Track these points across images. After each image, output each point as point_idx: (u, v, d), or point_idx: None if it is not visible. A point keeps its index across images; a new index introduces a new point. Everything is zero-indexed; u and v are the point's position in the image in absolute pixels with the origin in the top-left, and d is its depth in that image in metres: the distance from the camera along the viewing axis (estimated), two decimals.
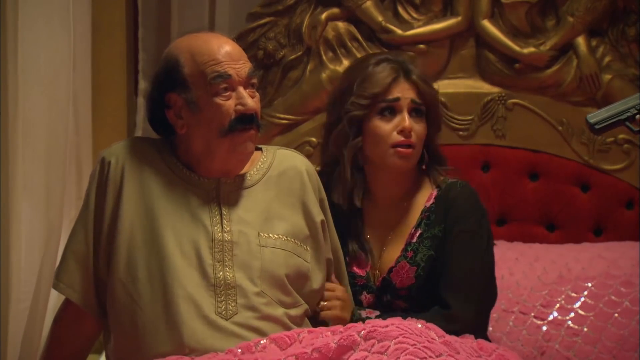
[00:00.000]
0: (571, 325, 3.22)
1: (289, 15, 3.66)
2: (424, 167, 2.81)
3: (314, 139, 3.57)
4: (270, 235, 2.54)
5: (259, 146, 2.64)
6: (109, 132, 3.59)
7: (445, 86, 3.60)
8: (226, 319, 2.43)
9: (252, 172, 2.59)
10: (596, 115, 2.54)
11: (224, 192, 2.54)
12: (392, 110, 2.73)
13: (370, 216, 2.80)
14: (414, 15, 3.64)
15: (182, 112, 2.51)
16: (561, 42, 3.59)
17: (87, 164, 3.41)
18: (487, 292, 2.71)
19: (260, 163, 2.61)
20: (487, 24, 3.61)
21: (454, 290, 2.65)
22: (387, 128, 2.72)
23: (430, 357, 2.18)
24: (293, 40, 3.66)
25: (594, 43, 3.60)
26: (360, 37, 3.64)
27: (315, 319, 2.62)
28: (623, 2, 3.57)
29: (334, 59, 3.64)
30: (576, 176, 3.60)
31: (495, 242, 3.39)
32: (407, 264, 2.71)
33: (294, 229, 2.57)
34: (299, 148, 3.57)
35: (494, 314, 3.23)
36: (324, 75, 3.63)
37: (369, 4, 3.61)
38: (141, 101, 3.68)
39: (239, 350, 2.34)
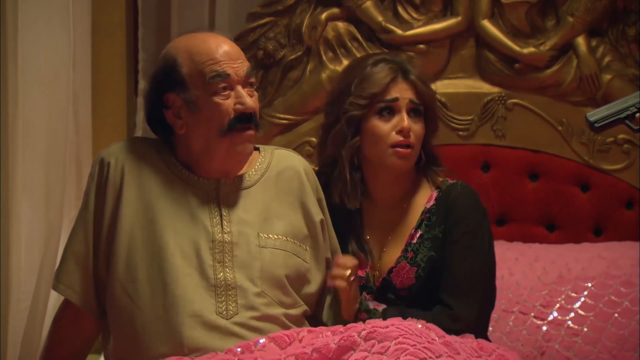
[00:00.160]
0: (571, 325, 3.22)
1: (289, 15, 3.66)
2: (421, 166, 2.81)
3: (314, 139, 3.57)
4: (270, 235, 2.54)
5: (257, 146, 2.64)
6: (109, 132, 3.59)
7: (445, 86, 3.60)
8: (226, 319, 2.43)
9: (250, 173, 2.59)
10: (596, 114, 2.54)
11: (223, 192, 2.54)
12: (390, 110, 2.73)
13: (369, 217, 2.80)
14: (414, 15, 3.64)
15: (181, 112, 2.51)
16: (561, 42, 3.59)
17: (87, 164, 3.41)
18: (488, 293, 2.72)
19: (258, 163, 2.61)
20: (487, 24, 3.61)
21: (455, 291, 2.65)
22: (385, 128, 2.72)
23: (431, 357, 2.18)
24: (293, 40, 3.66)
25: (594, 43, 3.60)
26: (360, 37, 3.64)
27: (315, 319, 2.62)
28: (623, 2, 3.57)
29: (334, 59, 3.64)
30: (576, 176, 3.60)
31: (495, 242, 3.39)
32: (408, 264, 2.71)
33: (293, 229, 2.58)
34: (299, 148, 3.58)
35: (494, 314, 3.22)
36: (324, 75, 3.63)
37: (369, 4, 3.61)
38: (141, 101, 3.68)
39: (239, 350, 2.34)
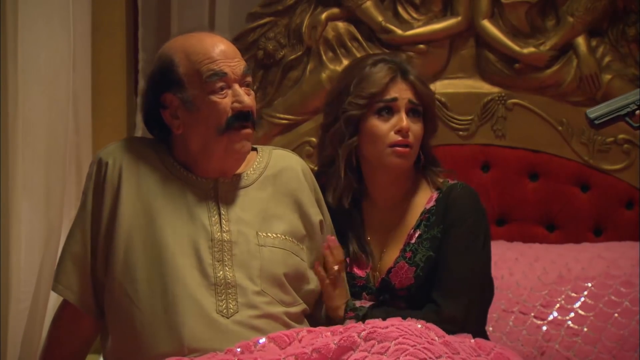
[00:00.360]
0: (571, 325, 3.22)
1: (289, 15, 3.66)
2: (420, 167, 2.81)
3: (314, 139, 3.57)
4: (269, 234, 2.54)
5: (254, 146, 2.64)
6: (109, 132, 3.59)
7: (445, 86, 3.60)
8: (227, 318, 2.43)
9: (248, 172, 2.59)
10: (596, 110, 2.54)
11: (222, 191, 2.54)
12: (389, 110, 2.73)
13: (370, 217, 2.80)
14: (414, 15, 3.64)
15: (179, 112, 2.51)
16: (561, 42, 3.59)
17: (87, 164, 3.39)
18: (478, 292, 2.70)
19: (256, 163, 2.62)
20: (487, 24, 3.61)
21: (445, 290, 2.66)
22: (384, 128, 2.72)
23: (431, 357, 2.18)
24: (293, 40, 3.66)
25: (594, 43, 3.60)
26: (360, 37, 3.64)
27: (315, 319, 2.62)
28: (623, 2, 3.57)
29: (334, 59, 3.64)
30: (576, 176, 3.60)
31: (495, 242, 3.39)
32: (406, 264, 2.71)
33: (292, 228, 2.58)
34: (299, 148, 3.58)
35: (493, 314, 3.23)
36: (324, 75, 3.63)
37: (369, 4, 3.61)
38: (140, 101, 3.68)
39: (238, 350, 2.34)
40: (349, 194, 2.75)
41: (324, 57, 3.64)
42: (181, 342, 2.41)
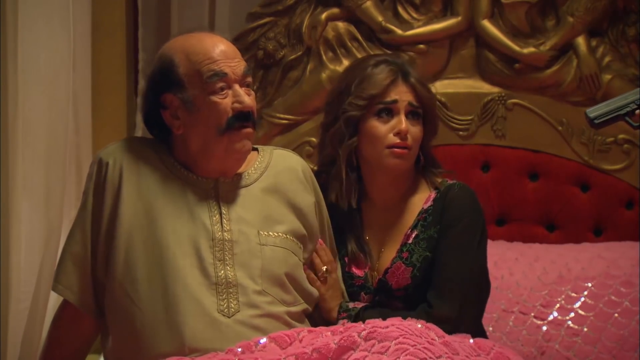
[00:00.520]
0: (571, 325, 3.22)
1: (289, 15, 3.66)
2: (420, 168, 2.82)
3: (314, 139, 3.57)
4: (270, 233, 2.54)
5: (255, 146, 2.64)
6: (109, 132, 3.59)
7: (445, 86, 3.61)
8: (228, 317, 2.43)
9: (249, 172, 2.59)
10: (596, 110, 2.54)
11: (222, 191, 2.54)
12: (389, 111, 2.73)
13: (368, 217, 2.80)
14: (414, 15, 3.64)
15: (179, 112, 2.51)
16: (561, 42, 3.59)
17: (87, 164, 3.39)
18: (473, 292, 2.70)
19: (257, 162, 2.62)
20: (487, 24, 3.61)
21: (438, 290, 2.66)
22: (383, 129, 2.72)
23: (431, 357, 2.18)
24: (293, 40, 3.66)
25: (594, 43, 3.60)
26: (360, 37, 3.64)
27: (314, 319, 2.63)
28: (623, 2, 3.57)
29: (334, 59, 3.64)
30: (576, 176, 3.60)
31: (495, 242, 3.39)
32: (403, 264, 2.71)
33: (293, 228, 2.58)
34: (299, 148, 3.58)
35: (493, 314, 3.23)
36: (324, 75, 3.63)
37: (369, 4, 3.61)
38: (140, 101, 3.68)
39: (239, 350, 2.34)
40: (351, 194, 2.75)
41: (324, 57, 3.64)
42: (182, 342, 2.41)
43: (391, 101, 2.73)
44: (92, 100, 3.56)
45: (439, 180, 2.78)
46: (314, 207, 2.64)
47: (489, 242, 2.79)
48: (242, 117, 2.50)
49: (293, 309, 2.52)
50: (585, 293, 3.27)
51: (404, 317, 2.41)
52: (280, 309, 2.49)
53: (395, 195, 2.78)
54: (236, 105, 2.49)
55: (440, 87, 3.57)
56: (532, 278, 3.34)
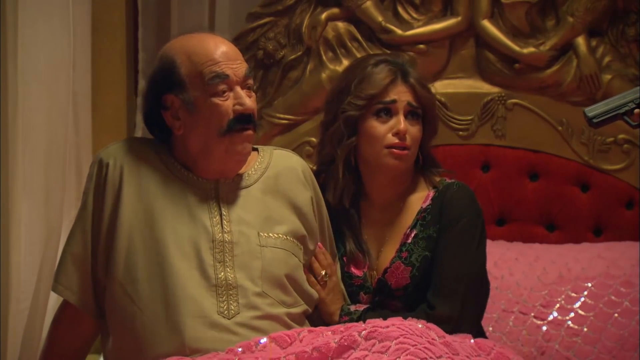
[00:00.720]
0: (571, 325, 3.22)
1: (289, 15, 3.66)
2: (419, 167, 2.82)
3: (314, 139, 3.57)
4: (271, 234, 2.54)
5: (255, 147, 2.64)
6: (109, 132, 3.59)
7: (445, 86, 3.61)
8: (228, 319, 2.43)
9: (249, 172, 2.59)
10: (594, 109, 2.54)
11: (222, 192, 2.54)
12: (388, 111, 2.73)
13: (367, 216, 2.80)
14: (414, 15, 3.64)
15: (180, 113, 2.51)
16: (561, 42, 3.59)
17: (87, 164, 3.39)
18: (473, 291, 2.70)
19: (257, 163, 2.62)
20: (487, 24, 3.60)
21: (439, 290, 2.66)
22: (382, 129, 2.72)
23: (431, 357, 2.18)
24: (293, 40, 3.66)
25: (594, 43, 3.60)
26: (360, 37, 3.64)
27: (314, 320, 2.62)
28: (623, 2, 3.57)
29: (334, 59, 3.64)
30: (576, 176, 3.60)
31: (495, 242, 3.39)
32: (402, 264, 2.71)
33: (293, 229, 2.58)
34: (299, 148, 3.58)
35: (493, 314, 3.23)
36: (324, 75, 3.63)
37: (368, 4, 3.61)
38: (141, 101, 3.67)
39: (239, 350, 2.34)
40: (349, 194, 2.76)
41: (324, 57, 3.64)
42: (182, 343, 2.41)
43: (390, 101, 2.73)
44: (92, 100, 3.56)
45: (438, 179, 2.78)
46: (313, 207, 2.64)
47: (489, 242, 2.80)
48: (243, 120, 2.50)
49: (293, 310, 2.52)
50: (585, 293, 3.27)
51: (405, 318, 2.41)
52: (280, 310, 2.49)
53: (394, 194, 2.78)
54: (237, 107, 2.49)
55: (440, 87, 3.57)
56: (532, 278, 3.34)
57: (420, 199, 2.77)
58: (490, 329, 3.20)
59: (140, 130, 3.66)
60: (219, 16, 3.71)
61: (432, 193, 2.76)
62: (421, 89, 2.76)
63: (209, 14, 3.72)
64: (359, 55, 3.54)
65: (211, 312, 2.43)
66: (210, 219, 2.50)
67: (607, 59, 3.60)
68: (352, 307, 2.69)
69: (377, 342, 2.22)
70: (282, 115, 3.66)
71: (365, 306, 2.70)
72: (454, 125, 3.62)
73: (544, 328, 3.23)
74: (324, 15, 3.64)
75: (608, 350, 3.17)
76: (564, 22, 3.59)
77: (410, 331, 2.24)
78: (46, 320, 2.97)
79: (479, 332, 2.70)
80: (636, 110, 2.52)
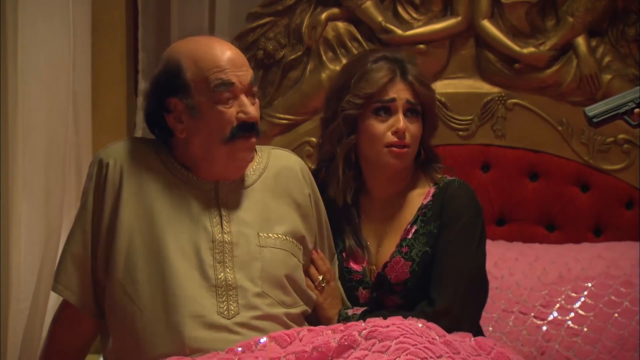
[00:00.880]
0: (571, 325, 3.22)
1: (289, 16, 3.66)
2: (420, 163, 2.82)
3: (313, 139, 3.57)
4: (270, 235, 2.54)
5: None
6: (109, 132, 3.59)
7: (445, 86, 3.60)
8: (228, 319, 2.43)
9: (249, 173, 2.59)
10: (594, 109, 2.54)
11: (222, 192, 2.54)
12: (387, 110, 2.73)
13: (367, 212, 2.80)
14: (414, 15, 3.64)
15: (183, 117, 2.50)
16: (561, 42, 3.59)
17: (87, 164, 3.38)
18: (473, 291, 2.70)
19: (256, 164, 2.61)
20: (487, 24, 3.61)
21: (438, 287, 2.66)
22: (381, 128, 2.72)
23: (431, 357, 2.18)
24: (293, 40, 3.66)
25: (593, 43, 3.60)
26: (360, 37, 3.64)
27: (313, 321, 2.62)
28: (623, 2, 3.57)
29: (334, 59, 3.64)
30: (576, 176, 3.60)
31: (495, 242, 3.39)
32: (402, 259, 2.71)
33: (292, 229, 2.58)
34: (298, 148, 3.58)
35: (493, 314, 3.23)
36: (324, 75, 3.63)
37: (368, 4, 3.61)
38: (141, 101, 3.68)
39: (239, 349, 2.34)
40: (350, 190, 2.76)
41: (324, 57, 3.64)
42: (182, 343, 2.41)
43: (389, 100, 2.73)
44: (92, 100, 3.56)
45: (439, 176, 2.78)
46: (312, 206, 2.64)
47: (489, 242, 2.80)
48: (246, 128, 2.49)
49: (292, 310, 2.52)
50: (585, 293, 3.27)
51: (405, 317, 2.41)
52: (279, 311, 2.49)
53: (395, 190, 2.79)
54: (241, 115, 2.48)
55: (440, 87, 3.57)
56: (532, 278, 3.34)
57: (421, 195, 2.77)
58: (490, 329, 3.20)
59: (140, 131, 3.66)
60: (219, 16, 3.71)
61: (432, 189, 2.76)
62: (420, 86, 2.75)
63: (209, 14, 3.72)
64: None
65: (211, 312, 2.43)
66: (210, 220, 2.50)
67: (607, 59, 3.60)
68: (350, 312, 2.68)
69: (377, 342, 2.22)
70: (282, 115, 3.66)
71: (362, 309, 2.70)
72: (454, 125, 3.62)
73: (544, 328, 3.23)
74: (324, 15, 3.64)
75: (608, 350, 3.17)
76: (564, 22, 3.59)
77: (411, 331, 2.24)
78: (46, 320, 2.97)
79: (477, 332, 2.70)
80: (636, 110, 2.51)
